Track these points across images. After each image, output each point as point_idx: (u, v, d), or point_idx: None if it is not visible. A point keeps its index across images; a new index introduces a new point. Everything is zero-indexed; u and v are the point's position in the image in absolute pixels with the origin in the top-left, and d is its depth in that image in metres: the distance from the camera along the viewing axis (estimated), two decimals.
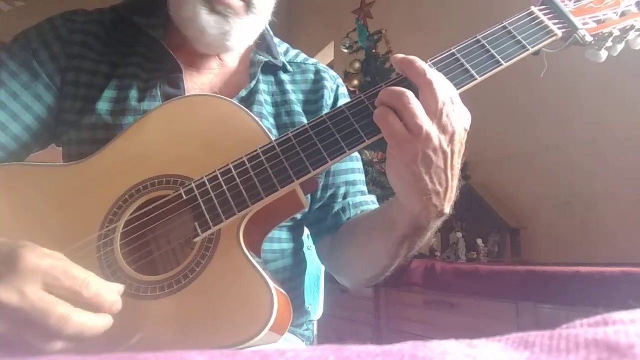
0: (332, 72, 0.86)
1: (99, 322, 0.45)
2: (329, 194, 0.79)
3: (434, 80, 0.53)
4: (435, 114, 0.53)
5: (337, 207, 0.79)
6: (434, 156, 0.53)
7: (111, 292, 0.46)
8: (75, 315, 0.43)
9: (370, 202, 0.82)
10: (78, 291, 0.43)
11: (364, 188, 0.83)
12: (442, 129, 0.53)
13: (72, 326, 0.42)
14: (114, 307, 0.46)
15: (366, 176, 0.88)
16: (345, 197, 0.80)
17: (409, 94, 0.53)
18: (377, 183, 2.08)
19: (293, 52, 0.85)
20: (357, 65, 2.58)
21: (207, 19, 0.68)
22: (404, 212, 0.60)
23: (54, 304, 0.42)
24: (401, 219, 0.60)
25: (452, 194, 0.58)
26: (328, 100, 0.81)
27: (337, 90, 0.83)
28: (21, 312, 0.41)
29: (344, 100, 0.84)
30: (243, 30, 0.71)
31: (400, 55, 0.56)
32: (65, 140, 0.71)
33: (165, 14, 0.75)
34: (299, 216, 0.78)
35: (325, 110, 0.79)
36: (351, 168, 0.81)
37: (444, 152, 0.54)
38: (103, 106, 0.69)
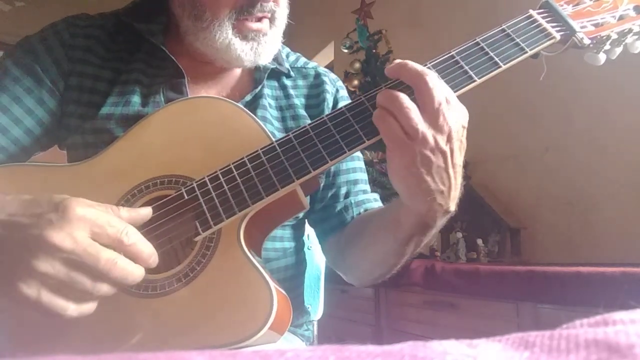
0: (332, 75, 0.87)
1: (138, 271, 0.49)
2: (330, 194, 0.79)
3: (429, 80, 0.53)
4: (431, 114, 0.53)
5: (339, 207, 0.78)
6: (433, 156, 0.53)
7: (147, 245, 0.50)
8: (120, 260, 0.47)
9: (373, 200, 0.81)
10: (119, 239, 0.47)
11: (366, 187, 0.83)
12: (439, 129, 0.53)
13: (117, 269, 0.46)
14: (151, 260, 0.50)
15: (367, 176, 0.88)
16: (346, 196, 0.80)
17: (402, 96, 0.53)
18: (378, 183, 2.08)
19: (293, 57, 0.85)
20: (357, 65, 2.58)
21: (243, 47, 0.69)
22: (408, 213, 0.59)
23: (102, 248, 0.46)
24: (406, 219, 0.60)
25: (457, 192, 0.58)
26: (329, 103, 0.81)
27: (336, 94, 0.83)
28: (74, 254, 0.45)
29: (343, 103, 0.83)
30: (271, 45, 0.72)
31: (395, 62, 0.57)
32: (69, 144, 0.71)
33: (164, 20, 0.75)
34: (301, 215, 0.78)
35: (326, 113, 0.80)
36: (352, 167, 0.81)
37: (443, 152, 0.54)
38: (106, 112, 0.69)
